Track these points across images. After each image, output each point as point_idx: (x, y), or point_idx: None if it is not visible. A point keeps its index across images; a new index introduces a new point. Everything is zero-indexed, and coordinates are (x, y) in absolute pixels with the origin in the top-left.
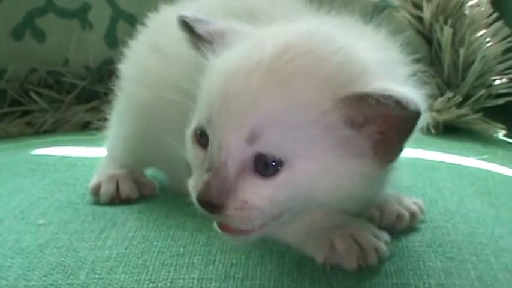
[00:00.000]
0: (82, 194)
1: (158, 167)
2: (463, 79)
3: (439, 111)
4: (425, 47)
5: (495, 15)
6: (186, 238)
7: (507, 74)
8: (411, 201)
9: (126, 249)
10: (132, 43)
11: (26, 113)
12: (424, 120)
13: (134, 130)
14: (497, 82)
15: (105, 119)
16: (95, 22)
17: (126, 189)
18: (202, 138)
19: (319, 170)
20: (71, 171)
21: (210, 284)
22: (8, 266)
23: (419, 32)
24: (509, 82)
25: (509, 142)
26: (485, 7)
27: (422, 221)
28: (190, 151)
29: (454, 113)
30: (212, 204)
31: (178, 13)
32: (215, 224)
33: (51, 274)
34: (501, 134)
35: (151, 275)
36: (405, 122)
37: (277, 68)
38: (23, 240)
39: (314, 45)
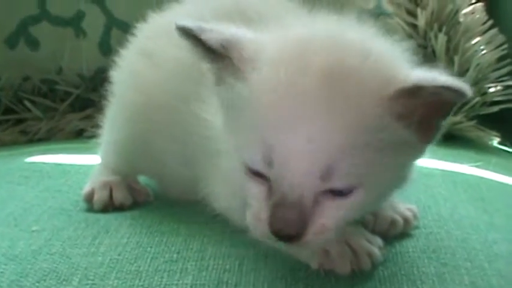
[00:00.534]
0: (75, 201)
1: (150, 173)
2: None
3: None
4: (419, 54)
5: (490, 22)
6: (180, 244)
7: (502, 81)
8: (405, 208)
9: (119, 255)
10: (123, 51)
11: (19, 121)
12: None
13: (126, 135)
14: (491, 90)
15: (98, 126)
16: (89, 30)
17: (119, 196)
18: (258, 173)
19: (383, 179)
20: (64, 178)
21: None
22: (1, 272)
23: (413, 40)
24: (503, 89)
25: (503, 149)
26: (480, 14)
27: (416, 227)
28: (243, 181)
29: (448, 120)
30: (292, 236)
31: (177, 22)
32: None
33: (44, 280)
34: (495, 142)
35: (144, 280)
36: (448, 105)
37: (329, 97)
38: (17, 246)
39: (348, 58)
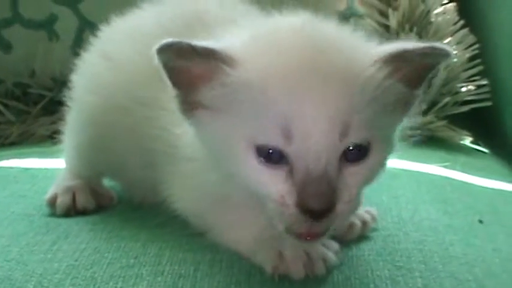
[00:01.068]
0: (39, 206)
1: (112, 175)
2: (429, 86)
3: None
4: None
5: (461, 22)
6: (137, 249)
7: (473, 81)
8: (363, 210)
9: (76, 261)
10: (84, 54)
11: None
12: None
13: (86, 138)
14: (463, 89)
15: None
16: (61, 33)
17: (82, 200)
18: (272, 155)
19: (386, 135)
20: (31, 183)
21: None
22: None
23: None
24: (475, 89)
25: (474, 149)
26: (451, 15)
27: (375, 230)
28: (256, 173)
29: (419, 120)
30: (324, 209)
31: (159, 45)
32: (292, 237)
33: None
34: (467, 141)
35: (98, 287)
36: (429, 67)
37: (330, 65)
38: None
39: (334, 34)
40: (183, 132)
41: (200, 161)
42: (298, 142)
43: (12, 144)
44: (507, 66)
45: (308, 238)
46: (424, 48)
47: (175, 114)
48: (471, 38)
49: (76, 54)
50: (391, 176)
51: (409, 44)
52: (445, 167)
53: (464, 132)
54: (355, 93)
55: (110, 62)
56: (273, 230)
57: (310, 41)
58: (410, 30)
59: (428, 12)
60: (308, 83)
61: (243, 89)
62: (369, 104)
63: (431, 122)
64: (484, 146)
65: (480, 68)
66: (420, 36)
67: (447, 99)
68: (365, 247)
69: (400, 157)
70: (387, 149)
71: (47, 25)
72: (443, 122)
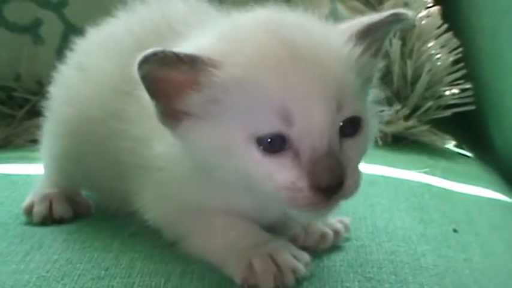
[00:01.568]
0: (16, 214)
1: (87, 186)
2: (412, 91)
3: (387, 123)
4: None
5: (444, 26)
6: (109, 260)
7: (457, 84)
8: (336, 220)
9: (47, 272)
10: (61, 66)
11: None
12: None
13: (62, 149)
14: (447, 93)
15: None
16: (46, 37)
17: (58, 209)
18: (274, 143)
19: (369, 110)
20: (11, 189)
21: None
22: None
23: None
24: (459, 93)
25: (458, 153)
26: (435, 18)
27: (348, 240)
28: (261, 166)
29: (402, 125)
30: (337, 184)
31: (143, 55)
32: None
33: None
34: (451, 145)
35: None
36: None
37: (314, 50)
38: None
39: (304, 21)
40: (153, 144)
41: (171, 171)
42: (300, 123)
43: None
44: (490, 69)
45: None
46: (387, 16)
47: (144, 126)
48: (455, 42)
49: (61, 58)
50: (370, 184)
51: (373, 17)
52: (425, 172)
53: (448, 136)
54: (341, 69)
55: (84, 73)
56: (245, 241)
57: (282, 28)
58: (394, 34)
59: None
60: (296, 67)
61: (232, 86)
62: (355, 77)
63: (414, 127)
64: (468, 150)
65: (464, 71)
66: (404, 39)
67: (430, 103)
68: (336, 258)
69: (381, 162)
70: (373, 120)
71: (32, 29)
72: (427, 126)
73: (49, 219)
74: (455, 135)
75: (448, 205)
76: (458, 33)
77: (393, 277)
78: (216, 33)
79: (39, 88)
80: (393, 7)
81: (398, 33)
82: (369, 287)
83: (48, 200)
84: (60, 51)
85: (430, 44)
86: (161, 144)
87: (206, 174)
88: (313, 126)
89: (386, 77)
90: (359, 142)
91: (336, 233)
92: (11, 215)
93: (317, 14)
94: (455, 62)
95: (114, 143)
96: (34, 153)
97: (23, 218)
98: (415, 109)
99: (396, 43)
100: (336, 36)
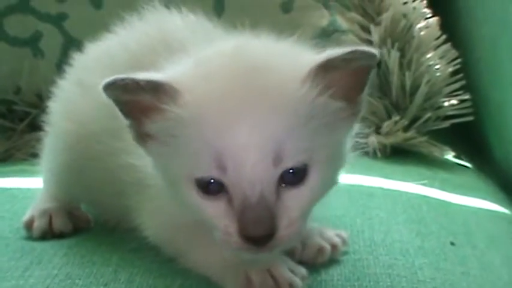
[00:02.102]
0: (16, 228)
1: (87, 201)
2: (411, 102)
3: (386, 134)
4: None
5: (443, 37)
6: (109, 275)
7: (455, 96)
8: (334, 233)
9: (47, 287)
10: (60, 81)
11: None
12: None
13: (61, 163)
14: (445, 104)
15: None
16: (46, 50)
17: (58, 224)
18: (211, 186)
19: (327, 154)
20: (11, 203)
21: None
22: None
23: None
24: (457, 104)
25: (456, 164)
26: (434, 29)
27: (346, 253)
28: (199, 206)
29: (400, 136)
30: (266, 235)
31: (104, 82)
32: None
33: None
34: (450, 156)
35: None
36: (364, 71)
37: (256, 92)
38: None
39: (259, 56)
40: (147, 162)
41: (159, 188)
42: (232, 172)
43: None
44: (489, 80)
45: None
46: (345, 53)
47: (136, 145)
48: (453, 53)
49: (61, 71)
50: (367, 196)
51: (333, 51)
52: (424, 184)
53: (446, 147)
54: (287, 118)
55: (82, 89)
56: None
57: (239, 68)
58: (393, 45)
59: (411, 26)
60: (238, 113)
61: (178, 124)
62: (304, 126)
63: (412, 138)
64: (467, 161)
65: (462, 82)
66: (403, 50)
67: (429, 114)
68: (334, 272)
69: (379, 174)
70: (333, 166)
71: (32, 42)
72: (425, 138)
73: (49, 234)
74: (454, 146)
75: (446, 217)
76: (457, 44)
77: None
78: (189, 63)
79: (39, 101)
80: (392, 18)
81: (396, 44)
82: None
83: (48, 215)
84: (60, 64)
85: (428, 55)
86: (149, 162)
87: None
88: (244, 177)
89: (384, 88)
90: (302, 192)
91: (334, 246)
92: (11, 229)
93: (289, 38)
94: (454, 73)
95: (111, 159)
96: (34, 166)
97: (23, 233)
98: (413, 120)
99: (395, 54)
100: (294, 77)
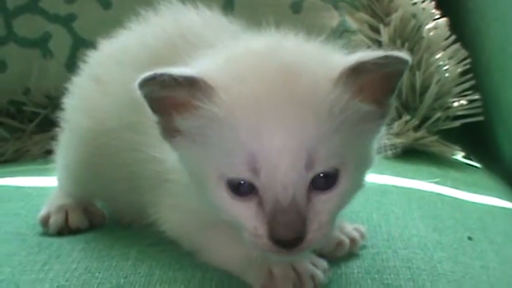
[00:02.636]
0: (32, 224)
1: (102, 197)
2: (421, 102)
3: (396, 134)
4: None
5: (452, 37)
6: (128, 268)
7: (465, 95)
8: (352, 228)
9: (67, 281)
10: (75, 78)
11: None
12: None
13: (77, 159)
14: (455, 104)
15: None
16: (55, 51)
17: (74, 220)
18: (242, 187)
19: (357, 157)
20: (24, 201)
21: None
22: None
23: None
24: (467, 104)
25: (466, 163)
26: (443, 29)
27: (364, 247)
28: (228, 206)
29: (411, 136)
30: (295, 239)
31: (141, 79)
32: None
33: None
34: (459, 156)
35: None
36: (394, 75)
37: (289, 96)
38: None
39: (292, 59)
40: (168, 157)
41: (181, 183)
42: (265, 176)
43: (7, 161)
44: (499, 80)
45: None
46: (378, 58)
47: (158, 139)
48: (463, 53)
49: (70, 71)
50: (382, 193)
51: (365, 55)
52: (436, 182)
53: (456, 147)
54: (320, 122)
55: (99, 85)
56: None
57: (273, 70)
58: (402, 45)
59: (420, 27)
60: (273, 117)
61: (212, 123)
62: (335, 131)
63: (423, 137)
64: (476, 161)
65: (472, 82)
66: (412, 51)
67: (439, 114)
68: (353, 265)
69: (391, 173)
70: (362, 169)
71: (41, 43)
72: (435, 137)
73: (65, 230)
74: (464, 146)
75: (460, 213)
76: (466, 44)
77: (411, 283)
78: (218, 60)
79: (49, 102)
80: (401, 19)
81: (406, 45)
82: None
83: (64, 211)
84: (69, 64)
85: (438, 55)
86: (172, 156)
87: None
88: (276, 181)
89: None
90: (332, 197)
91: (352, 240)
92: (28, 226)
93: (318, 38)
94: (464, 73)
95: (130, 154)
96: (46, 166)
97: (39, 229)
98: (423, 120)
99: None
100: (326, 78)
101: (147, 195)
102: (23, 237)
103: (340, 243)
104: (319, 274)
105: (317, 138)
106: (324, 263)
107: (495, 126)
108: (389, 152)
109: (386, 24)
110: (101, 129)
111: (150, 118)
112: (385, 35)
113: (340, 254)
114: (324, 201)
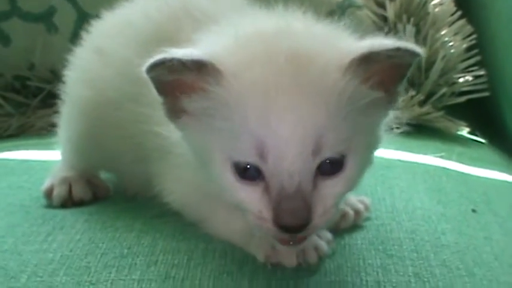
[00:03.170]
0: (36, 197)
1: (106, 168)
2: (427, 77)
3: (401, 109)
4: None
5: (458, 13)
6: (131, 239)
7: (470, 71)
8: (356, 200)
9: (70, 251)
10: (77, 49)
11: None
12: None
13: (80, 131)
14: (460, 80)
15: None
16: (60, 25)
17: (78, 192)
18: (249, 171)
19: (364, 141)
20: (28, 174)
21: (150, 284)
22: None
23: (382, 31)
24: (472, 80)
25: (471, 139)
26: (449, 5)
27: (368, 219)
28: (233, 188)
29: (416, 111)
30: (299, 225)
31: (149, 64)
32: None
33: None
34: (464, 132)
35: (92, 276)
36: (404, 66)
37: (299, 82)
38: None
39: (303, 44)
40: (173, 129)
41: (187, 157)
42: (272, 162)
43: (12, 136)
44: (504, 56)
45: (291, 243)
46: (390, 49)
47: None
48: (468, 29)
49: (75, 46)
50: (386, 167)
51: (376, 43)
52: (441, 157)
53: (461, 122)
54: (329, 109)
55: (101, 56)
56: None
57: (283, 54)
58: (408, 21)
59: (426, 2)
60: (283, 103)
61: (220, 106)
62: (344, 118)
63: (428, 113)
64: (481, 136)
65: (477, 58)
66: (418, 26)
67: (444, 89)
68: (357, 236)
69: (396, 147)
70: (369, 152)
71: (46, 18)
72: (441, 113)
73: (69, 202)
74: (469, 122)
75: (465, 187)
76: (472, 20)
77: (415, 254)
78: (226, 39)
79: (53, 77)
80: None
81: (412, 20)
82: (390, 263)
83: (68, 183)
84: (74, 39)
85: (443, 31)
86: (176, 132)
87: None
88: (283, 168)
89: None
90: (338, 182)
91: (357, 212)
92: (31, 198)
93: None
94: (469, 49)
95: (133, 125)
96: (49, 140)
97: (43, 201)
98: (429, 95)
99: (410, 30)
100: (336, 65)
101: (152, 166)
102: (26, 209)
103: (344, 215)
104: (323, 245)
105: (325, 126)
106: (328, 235)
107: (500, 101)
108: (397, 131)
109: (392, 0)
110: (102, 100)
111: (153, 92)
112: (390, 10)
113: (344, 225)
114: (329, 186)
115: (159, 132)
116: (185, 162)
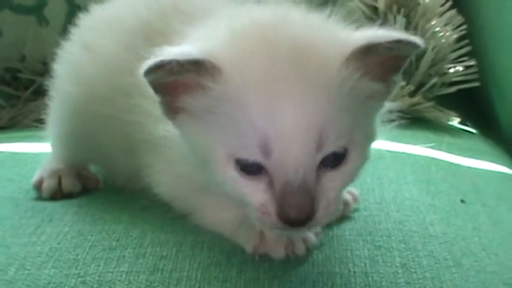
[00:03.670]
0: (25, 189)
1: (96, 162)
2: (417, 68)
3: (392, 99)
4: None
5: (449, 3)
6: (120, 232)
7: (461, 62)
8: (345, 191)
9: (59, 244)
10: (65, 43)
11: None
12: None
13: (69, 127)
14: (451, 70)
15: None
16: (51, 18)
17: (68, 184)
18: (251, 167)
19: (364, 134)
20: (18, 167)
21: (138, 276)
22: None
23: (372, 22)
24: (463, 70)
25: (462, 129)
26: None
27: (357, 210)
28: (236, 183)
29: (406, 101)
30: (304, 219)
31: (145, 67)
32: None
33: None
34: (456, 122)
35: (80, 269)
36: (403, 57)
37: (300, 75)
38: None
39: (302, 35)
40: (165, 122)
41: (178, 151)
42: (276, 157)
43: (2, 128)
44: (495, 46)
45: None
46: (390, 41)
47: (155, 103)
48: (459, 19)
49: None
50: (376, 157)
51: (376, 35)
52: (431, 147)
53: (452, 112)
54: (330, 102)
55: (90, 52)
56: None
57: (281, 46)
58: (398, 11)
59: None
60: (283, 98)
61: (219, 102)
62: (345, 110)
63: (418, 103)
64: (472, 127)
65: (468, 48)
66: (408, 17)
67: (435, 80)
68: (346, 227)
69: (386, 138)
70: (367, 144)
71: (37, 10)
72: (431, 103)
73: (58, 194)
74: (460, 112)
75: (454, 177)
76: (462, 10)
77: (403, 245)
78: (221, 32)
79: (44, 69)
80: None
81: (402, 11)
82: (378, 254)
83: (57, 175)
84: (65, 31)
85: (434, 22)
86: (169, 124)
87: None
88: (288, 162)
89: None
90: (340, 174)
91: (345, 203)
92: (21, 191)
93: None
94: (460, 39)
95: (123, 117)
96: (40, 132)
97: (33, 194)
98: (419, 86)
99: (401, 20)
100: (335, 57)
101: (142, 158)
102: (16, 201)
103: None
104: (311, 237)
105: (328, 119)
106: None
107: (491, 92)
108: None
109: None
110: (91, 95)
111: (143, 81)
112: (381, 1)
113: None
114: (332, 178)
115: (150, 124)
116: (175, 154)
